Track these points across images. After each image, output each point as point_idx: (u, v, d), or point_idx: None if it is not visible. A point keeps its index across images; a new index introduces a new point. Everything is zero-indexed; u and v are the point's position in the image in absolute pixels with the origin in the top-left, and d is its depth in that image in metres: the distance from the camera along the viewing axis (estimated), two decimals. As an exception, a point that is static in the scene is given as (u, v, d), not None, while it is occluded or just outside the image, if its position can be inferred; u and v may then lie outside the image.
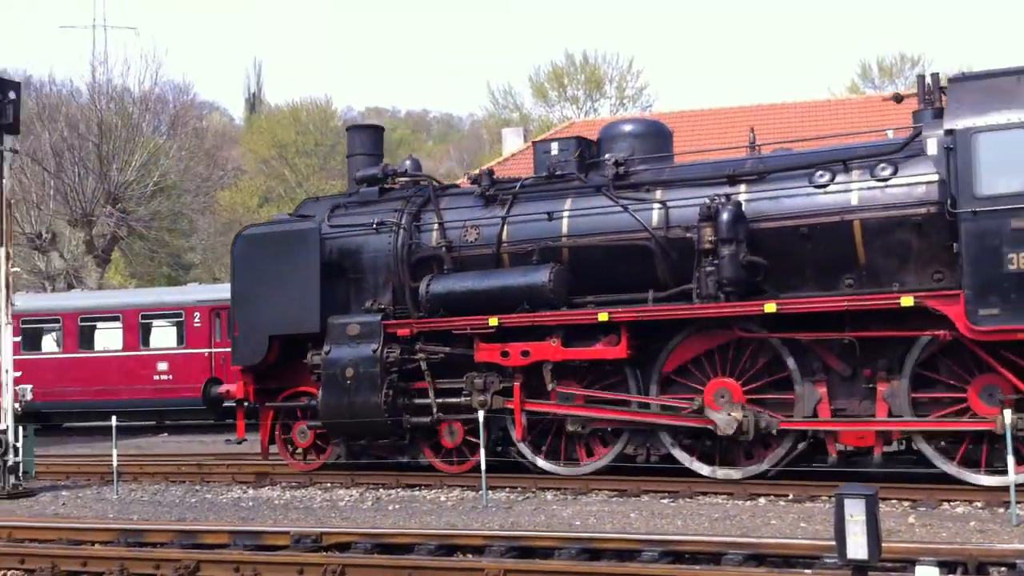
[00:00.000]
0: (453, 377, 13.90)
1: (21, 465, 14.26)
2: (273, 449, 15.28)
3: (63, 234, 37.18)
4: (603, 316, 12.84)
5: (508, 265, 13.87)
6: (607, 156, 13.77)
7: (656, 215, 13.05)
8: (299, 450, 15.13)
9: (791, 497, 11.51)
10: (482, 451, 12.28)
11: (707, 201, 12.52)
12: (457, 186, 15.00)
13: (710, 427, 12.32)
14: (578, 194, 13.74)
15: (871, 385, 11.92)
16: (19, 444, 14.23)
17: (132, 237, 37.88)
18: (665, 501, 11.74)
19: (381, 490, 13.45)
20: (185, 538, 9.64)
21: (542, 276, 13.26)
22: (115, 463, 14.18)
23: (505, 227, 13.94)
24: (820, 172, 12.35)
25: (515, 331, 13.45)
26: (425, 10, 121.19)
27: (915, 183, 11.76)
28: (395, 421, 13.90)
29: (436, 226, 14.33)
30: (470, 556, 8.74)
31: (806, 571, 7.68)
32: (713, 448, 12.67)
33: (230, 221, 47.16)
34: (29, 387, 15.18)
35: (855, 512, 6.65)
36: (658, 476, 12.62)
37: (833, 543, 6.84)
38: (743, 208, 12.51)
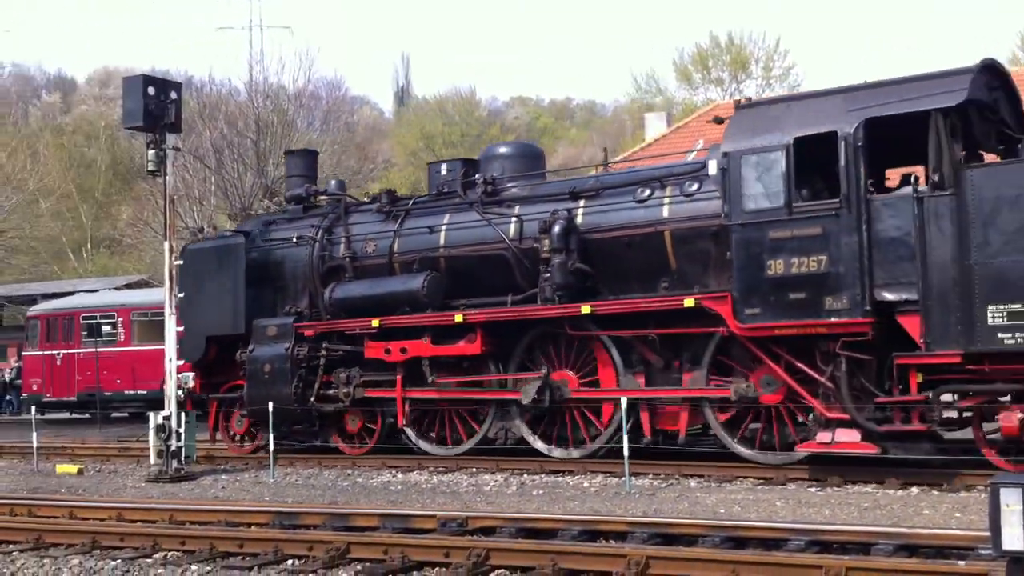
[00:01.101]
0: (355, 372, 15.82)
1: (183, 450, 14.93)
2: (220, 436, 17.54)
3: (223, 227, 38.54)
4: (459, 318, 14.66)
5: (399, 273, 15.74)
6: (476, 176, 15.62)
7: (513, 228, 14.79)
8: (238, 436, 17.32)
9: (945, 487, 11.14)
10: (624, 438, 12.25)
11: (547, 216, 14.19)
12: (368, 203, 17.09)
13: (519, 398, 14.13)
14: (455, 210, 15.52)
15: (679, 375, 13.41)
16: (181, 430, 14.90)
17: (288, 230, 38.92)
18: (812, 489, 11.50)
19: (525, 475, 13.58)
20: (336, 521, 9.88)
21: (417, 283, 15.09)
22: (271, 447, 14.69)
23: (397, 239, 15.85)
24: (642, 188, 13.89)
25: (396, 330, 15.30)
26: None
27: (712, 198, 13.03)
28: (304, 410, 15.89)
29: (344, 239, 16.30)
30: (613, 542, 8.72)
31: (959, 563, 7.39)
32: (553, 430, 14.40)
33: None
34: (191, 375, 15.86)
35: (1011, 501, 6.37)
36: (808, 465, 12.39)
37: (988, 534, 6.58)
38: (580, 221, 14.22)
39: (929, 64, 78.64)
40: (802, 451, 12.27)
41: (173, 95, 15.33)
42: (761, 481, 12.19)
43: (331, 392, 15.79)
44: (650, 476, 12.88)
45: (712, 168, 12.95)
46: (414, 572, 8.17)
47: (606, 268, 14.06)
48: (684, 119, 37.70)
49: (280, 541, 8.96)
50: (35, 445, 17.45)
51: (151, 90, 15.08)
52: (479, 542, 8.44)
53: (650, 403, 13.54)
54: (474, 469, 14.31)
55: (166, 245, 15.52)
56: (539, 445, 14.35)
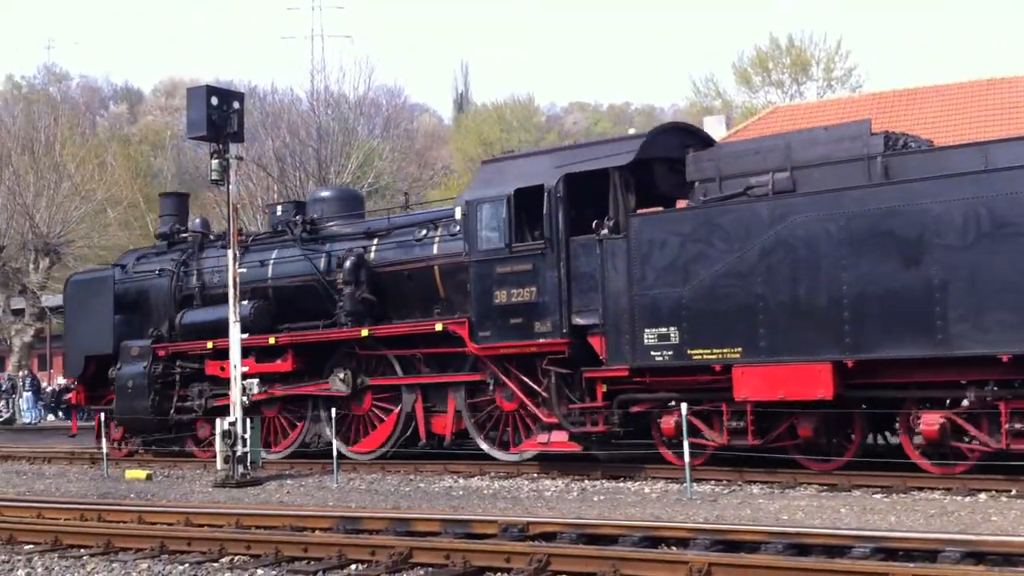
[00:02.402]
0: (202, 387, 18.28)
1: (249, 455, 15.11)
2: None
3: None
4: (272, 340, 17.09)
5: (242, 302, 17.54)
6: (296, 217, 18.00)
7: (323, 262, 17.21)
8: (116, 441, 19.84)
9: (1014, 492, 10.96)
10: (685, 444, 12.21)
11: (342, 253, 16.74)
12: (218, 239, 19.40)
13: (334, 393, 16.51)
14: (283, 246, 18.00)
15: (446, 389, 15.67)
16: (247, 435, 15.08)
17: (349, 236, 39.20)
18: (878, 496, 11.37)
19: (586, 481, 13.58)
20: (399, 525, 9.94)
21: (244, 310, 16.87)
22: (335, 453, 14.84)
23: None
24: (420, 229, 16.28)
25: (227, 351, 16.62)
26: (625, 1, 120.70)
27: None
28: (160, 419, 18.49)
29: (196, 271, 18.95)
30: (675, 548, 8.68)
31: (1028, 570, 7.29)
32: (356, 435, 16.74)
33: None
34: (256, 381, 16.05)
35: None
36: (867, 471, 12.25)
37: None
38: (372, 256, 16.64)
39: (995, 65, 77.21)
40: (528, 450, 14.68)
41: (236, 105, 15.51)
42: (825, 488, 12.07)
43: (187, 404, 18.39)
44: (712, 482, 12.81)
45: (458, 214, 15.22)
46: (476, 577, 8.19)
47: (394, 297, 16.43)
48: (744, 122, 37.40)
49: (344, 546, 9.03)
50: (104, 451, 17.81)
51: (214, 100, 15.27)
52: (540, 548, 8.45)
53: (425, 413, 15.85)
54: (535, 475, 14.34)
55: (229, 253, 15.74)
56: (341, 447, 16.41)
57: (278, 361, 17.18)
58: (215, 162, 15.56)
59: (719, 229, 12.77)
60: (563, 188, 13.98)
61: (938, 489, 11.46)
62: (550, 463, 14.64)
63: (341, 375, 16.48)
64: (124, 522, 11.19)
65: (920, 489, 11.54)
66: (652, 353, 13.17)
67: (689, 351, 12.90)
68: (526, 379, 14.53)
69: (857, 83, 49.62)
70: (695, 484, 12.21)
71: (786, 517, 10.16)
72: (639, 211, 13.68)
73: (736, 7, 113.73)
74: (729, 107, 50.73)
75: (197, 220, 20.97)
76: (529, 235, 14.39)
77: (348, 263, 16.44)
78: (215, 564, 9.03)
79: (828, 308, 11.99)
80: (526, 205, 14.30)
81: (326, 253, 17.24)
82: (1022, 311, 10.96)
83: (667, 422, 13.29)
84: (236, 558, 9.20)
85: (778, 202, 12.49)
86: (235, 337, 15.48)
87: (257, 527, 10.43)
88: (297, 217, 18.02)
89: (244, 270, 17.58)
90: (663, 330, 13.07)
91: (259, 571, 8.62)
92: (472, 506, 11.80)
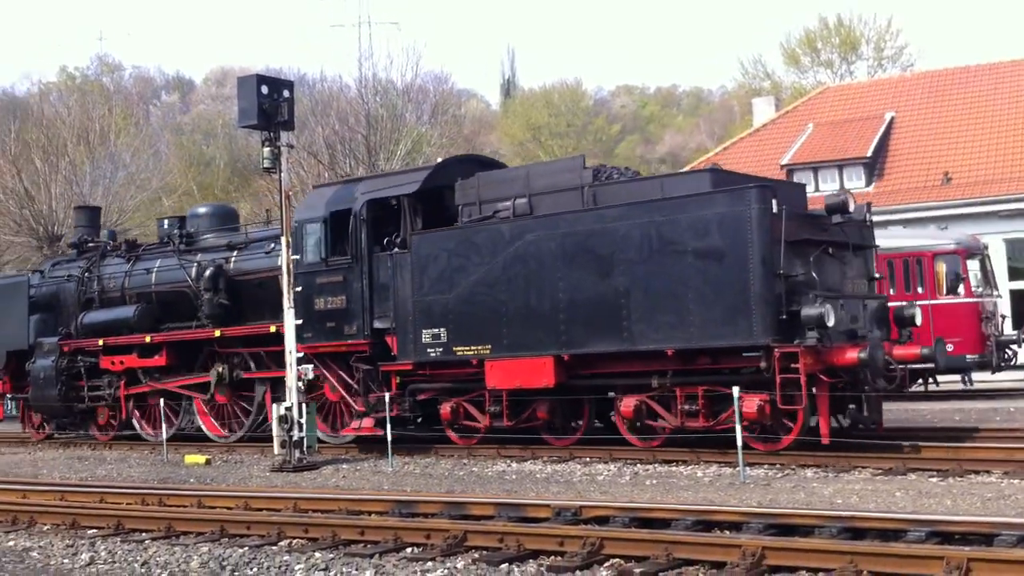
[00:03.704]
0: (99, 378, 20.81)
1: (305, 440, 15.29)
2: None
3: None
4: (148, 339, 19.78)
5: (128, 304, 20.56)
6: (175, 230, 20.45)
7: (194, 271, 19.53)
8: (36, 425, 22.73)
9: (1071, 476, 10.81)
10: (738, 430, 12.19)
11: (203, 263, 19.21)
12: (116, 249, 21.98)
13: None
14: (165, 256, 20.57)
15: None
16: (303, 420, 15.27)
17: (399, 222, 39.30)
18: (934, 480, 11.28)
19: (639, 465, 13.60)
20: (453, 509, 10.05)
21: (130, 312, 20.19)
22: (389, 437, 15.00)
23: (127, 278, 20.95)
24: (270, 242, 18.43)
25: (116, 348, 20.39)
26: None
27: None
28: (67, 406, 21.14)
29: (97, 277, 21.48)
30: (727, 532, 8.70)
31: (1087, 554, 7.20)
32: (229, 422, 19.16)
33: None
34: (310, 367, 16.24)
35: None
36: (356, 444, 12.84)
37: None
38: (231, 267, 19.11)
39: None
40: (345, 434, 16.98)
41: (286, 93, 15.64)
42: (880, 472, 11.99)
43: (80, 395, 20.91)
44: (765, 466, 12.78)
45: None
46: (529, 560, 8.25)
47: (249, 302, 18.66)
48: (793, 103, 37.01)
49: (399, 529, 9.15)
50: (164, 437, 18.14)
51: (264, 89, 15.41)
52: (593, 531, 8.50)
53: (274, 401, 17.02)
54: (587, 459, 14.40)
55: (283, 240, 15.91)
56: (207, 431, 19.16)
57: (155, 357, 19.70)
58: (266, 150, 15.72)
59: (475, 246, 15.20)
60: (367, 211, 16.38)
61: (995, 472, 11.35)
62: (367, 444, 16.80)
63: (220, 368, 18.74)
64: (184, 506, 11.44)
65: (976, 472, 11.44)
66: (428, 350, 15.55)
67: (454, 348, 15.30)
68: (343, 374, 16.78)
69: (908, 62, 48.97)
70: (748, 468, 12.19)
71: (840, 501, 10.12)
72: (419, 230, 15.99)
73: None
74: (778, 88, 50.23)
75: (105, 232, 23.77)
76: (342, 251, 16.59)
77: (207, 272, 18.91)
78: (274, 547, 9.19)
79: (550, 312, 14.43)
80: (339, 225, 16.65)
81: (197, 263, 19.52)
82: (680, 314, 13.34)
83: (444, 408, 15.63)
84: (294, 541, 9.36)
85: (516, 223, 14.94)
86: (289, 323, 15.65)
87: (314, 511, 10.60)
88: (176, 230, 20.46)
89: (134, 276, 20.67)
90: (435, 330, 15.51)
91: (317, 554, 8.76)
92: (525, 490, 11.88)
